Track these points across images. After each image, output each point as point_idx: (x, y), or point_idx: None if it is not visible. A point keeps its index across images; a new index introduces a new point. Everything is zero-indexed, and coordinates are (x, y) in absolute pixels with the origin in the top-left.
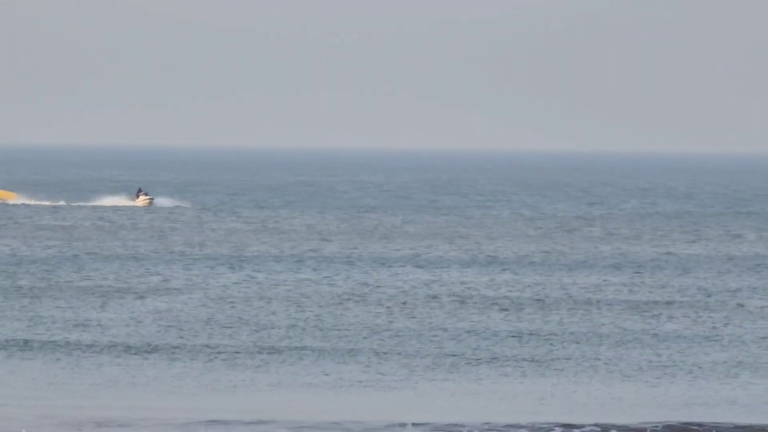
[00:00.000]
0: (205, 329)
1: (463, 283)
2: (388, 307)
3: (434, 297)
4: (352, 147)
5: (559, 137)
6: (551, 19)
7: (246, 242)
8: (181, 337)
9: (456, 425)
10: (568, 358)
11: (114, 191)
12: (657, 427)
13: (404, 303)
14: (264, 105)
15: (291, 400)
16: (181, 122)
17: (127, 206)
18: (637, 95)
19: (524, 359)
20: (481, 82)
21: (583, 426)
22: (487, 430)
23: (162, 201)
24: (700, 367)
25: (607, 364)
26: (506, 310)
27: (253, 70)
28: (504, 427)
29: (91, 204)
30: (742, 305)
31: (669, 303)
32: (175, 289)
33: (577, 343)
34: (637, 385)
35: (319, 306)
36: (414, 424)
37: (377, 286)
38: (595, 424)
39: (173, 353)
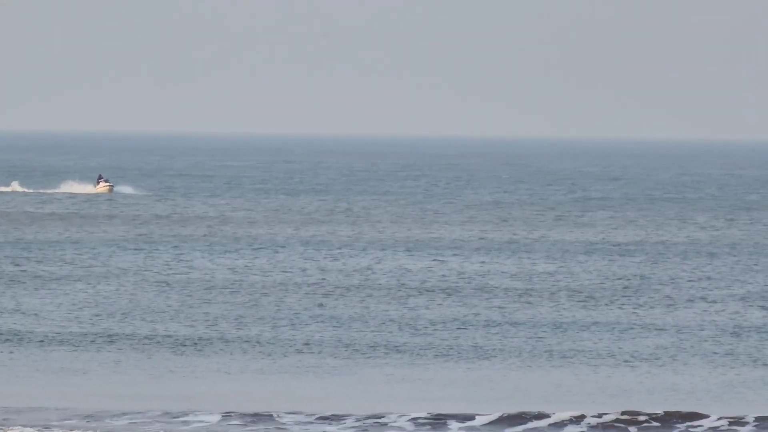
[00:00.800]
0: (145, 316)
1: (401, 268)
2: (328, 293)
3: (373, 282)
4: (350, 134)
5: (564, 125)
6: (550, 11)
7: (192, 228)
8: (121, 324)
9: (383, 414)
10: (510, 344)
11: (72, 177)
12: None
13: (345, 288)
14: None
15: (228, 388)
16: (156, 108)
17: (87, 193)
18: (645, 83)
19: (465, 346)
20: (481, 69)
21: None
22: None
23: (122, 188)
24: (640, 354)
25: (547, 350)
26: (447, 296)
27: (244, 54)
28: (435, 416)
29: (50, 191)
30: (678, 291)
31: (606, 289)
32: (116, 274)
33: (516, 328)
34: (577, 371)
35: (255, 292)
36: (344, 415)
37: (319, 270)
38: (539, 414)
39: (112, 340)
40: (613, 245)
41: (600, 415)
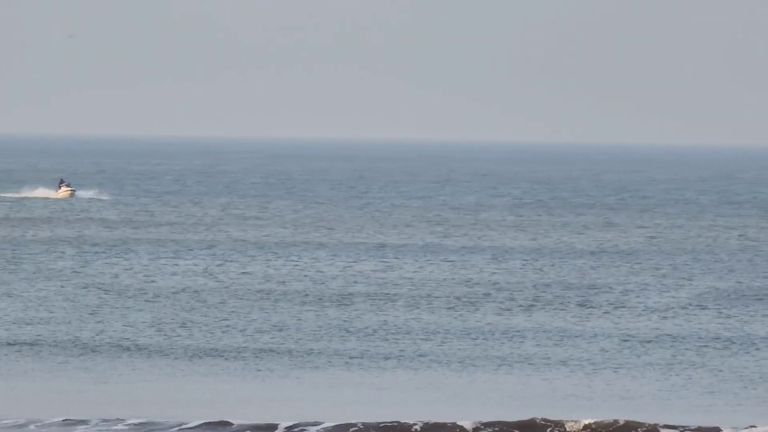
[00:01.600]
0: (89, 319)
1: (344, 273)
2: (266, 300)
3: (317, 287)
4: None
5: (561, 129)
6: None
7: (144, 232)
8: (64, 327)
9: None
10: (452, 349)
11: (34, 182)
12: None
13: (289, 292)
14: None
15: (170, 391)
16: (138, 110)
17: (48, 198)
18: (643, 86)
19: (407, 351)
20: (480, 73)
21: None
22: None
23: (84, 192)
24: (582, 359)
25: (488, 356)
26: (389, 301)
27: (237, 55)
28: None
29: (8, 195)
30: (621, 296)
31: (549, 294)
32: (60, 277)
33: (459, 333)
34: (512, 379)
35: (199, 296)
36: (288, 427)
37: (263, 274)
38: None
39: (56, 342)
40: (555, 249)
41: (532, 420)
